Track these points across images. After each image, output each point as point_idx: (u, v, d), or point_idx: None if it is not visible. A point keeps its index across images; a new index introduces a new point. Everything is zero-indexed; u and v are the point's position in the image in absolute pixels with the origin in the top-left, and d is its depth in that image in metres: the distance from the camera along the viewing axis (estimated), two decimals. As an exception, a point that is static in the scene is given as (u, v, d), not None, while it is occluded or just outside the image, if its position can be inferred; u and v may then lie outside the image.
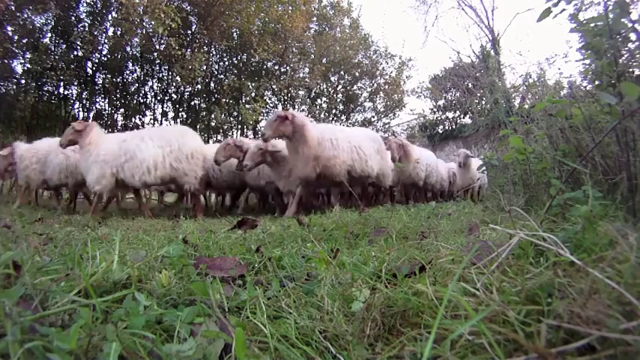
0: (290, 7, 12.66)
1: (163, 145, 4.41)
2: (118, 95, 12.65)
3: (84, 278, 0.75)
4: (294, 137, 4.20)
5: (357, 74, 15.31)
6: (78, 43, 11.04)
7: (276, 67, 13.84)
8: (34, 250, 1.29)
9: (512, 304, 0.58)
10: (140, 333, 0.62)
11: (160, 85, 13.03)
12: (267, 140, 4.25)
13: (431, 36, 39.38)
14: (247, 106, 11.82)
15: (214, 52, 13.44)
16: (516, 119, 2.60)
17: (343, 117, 15.61)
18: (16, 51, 10.81)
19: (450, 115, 19.86)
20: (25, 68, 10.93)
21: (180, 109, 13.28)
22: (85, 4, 11.60)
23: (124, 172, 4.34)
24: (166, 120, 13.09)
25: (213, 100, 12.77)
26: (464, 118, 18.70)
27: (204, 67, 11.90)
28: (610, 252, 0.65)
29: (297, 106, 14.90)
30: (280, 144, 4.62)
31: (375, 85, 15.58)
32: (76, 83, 11.85)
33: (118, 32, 11.37)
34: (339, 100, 15.61)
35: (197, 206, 4.67)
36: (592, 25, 1.40)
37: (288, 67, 13.83)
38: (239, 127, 13.44)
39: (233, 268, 1.04)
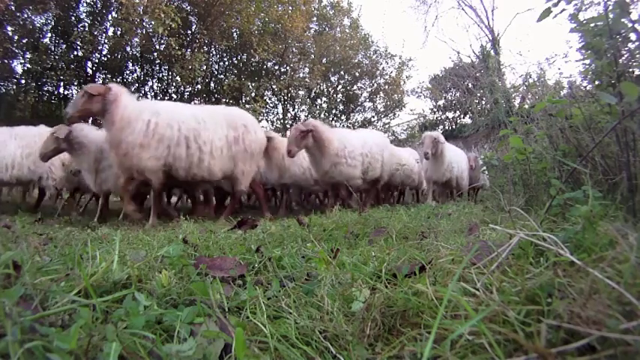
0: (290, 7, 12.67)
1: (24, 145, 4.39)
2: (118, 95, 12.64)
3: (84, 278, 0.75)
4: (104, 117, 3.23)
5: (357, 74, 15.32)
6: (78, 43, 11.03)
7: (276, 67, 13.85)
8: (34, 250, 1.29)
9: (512, 304, 0.58)
10: (140, 333, 0.62)
11: (159, 85, 13.03)
12: (72, 120, 3.32)
13: (431, 36, 39.53)
14: (247, 106, 11.81)
15: (214, 52, 13.44)
16: (516, 119, 2.60)
17: (343, 117, 15.62)
18: (16, 51, 10.82)
19: (450, 115, 19.92)
20: (25, 68, 10.95)
21: (180, 109, 13.28)
22: (85, 4, 11.62)
23: None
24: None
25: (213, 100, 12.75)
26: (464, 118, 18.76)
27: (204, 67, 11.90)
28: (610, 252, 0.65)
29: (297, 106, 14.92)
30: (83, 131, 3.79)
31: (375, 85, 15.59)
32: (76, 83, 11.84)
33: (118, 32, 11.37)
34: (339, 100, 15.62)
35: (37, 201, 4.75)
36: (592, 25, 1.40)
37: (288, 67, 13.83)
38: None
39: (233, 268, 1.04)
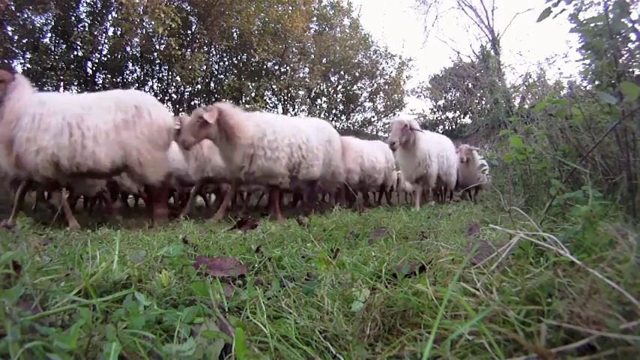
0: (290, 7, 12.67)
1: None
2: (118, 95, 12.64)
3: (84, 278, 0.75)
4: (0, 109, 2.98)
5: (357, 74, 15.33)
6: (78, 43, 11.03)
7: (276, 67, 13.85)
8: (34, 250, 1.29)
9: (512, 304, 0.58)
10: (140, 333, 0.62)
11: (160, 85, 13.04)
12: None
13: (431, 36, 39.59)
14: (247, 106, 11.81)
15: (214, 52, 13.44)
16: (516, 119, 2.60)
17: (343, 117, 15.63)
18: (16, 51, 10.81)
19: (450, 115, 19.96)
20: (25, 68, 10.92)
21: (181, 109, 13.29)
22: (85, 4, 11.61)
23: None
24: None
25: (213, 100, 12.75)
26: (464, 118, 18.79)
27: (204, 67, 11.90)
28: (610, 252, 0.65)
29: (297, 106, 14.92)
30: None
31: (375, 85, 15.60)
32: (76, 83, 11.83)
33: (118, 32, 11.37)
34: (339, 100, 15.63)
35: None
36: (592, 25, 1.40)
37: (288, 67, 13.84)
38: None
39: (233, 268, 1.04)
